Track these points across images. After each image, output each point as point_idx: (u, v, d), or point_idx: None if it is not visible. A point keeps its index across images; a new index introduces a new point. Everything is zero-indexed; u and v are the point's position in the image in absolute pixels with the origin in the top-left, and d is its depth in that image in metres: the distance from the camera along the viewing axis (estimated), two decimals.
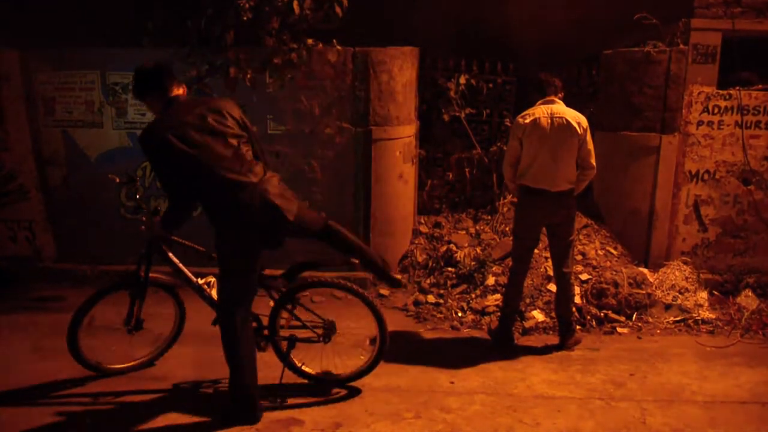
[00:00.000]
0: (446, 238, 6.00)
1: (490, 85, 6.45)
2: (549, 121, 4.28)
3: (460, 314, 5.19)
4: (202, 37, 5.31)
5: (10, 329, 4.92)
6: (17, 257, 6.08)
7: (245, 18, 5.08)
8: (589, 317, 4.99)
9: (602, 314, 5.02)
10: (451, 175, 6.37)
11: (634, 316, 5.05)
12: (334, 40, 5.26)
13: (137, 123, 5.67)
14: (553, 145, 4.27)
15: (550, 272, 5.37)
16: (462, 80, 6.17)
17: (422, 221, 6.26)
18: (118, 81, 5.57)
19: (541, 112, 4.32)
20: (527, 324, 4.92)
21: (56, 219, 5.98)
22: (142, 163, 5.75)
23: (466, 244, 5.87)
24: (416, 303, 5.40)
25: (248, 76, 5.21)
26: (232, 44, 5.19)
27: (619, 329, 4.93)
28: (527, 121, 4.32)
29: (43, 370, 4.24)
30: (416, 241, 6.03)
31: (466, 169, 6.36)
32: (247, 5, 5.10)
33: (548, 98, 4.38)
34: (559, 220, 4.39)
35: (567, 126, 4.27)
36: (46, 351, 4.53)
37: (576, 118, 4.31)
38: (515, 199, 6.18)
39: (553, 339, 4.73)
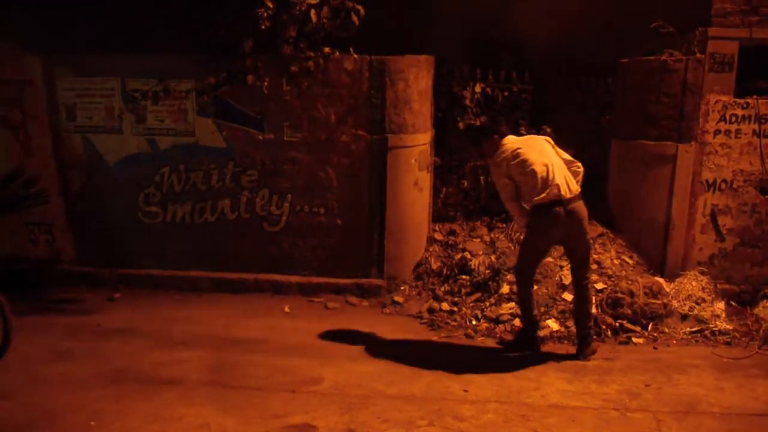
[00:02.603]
0: (461, 246, 6.00)
1: (506, 94, 6.45)
2: (524, 141, 4.56)
3: (474, 322, 5.19)
4: (220, 44, 5.39)
5: (30, 330, 4.97)
6: (37, 260, 6.17)
7: (263, 26, 5.15)
8: (604, 327, 4.96)
9: (617, 324, 4.99)
10: (466, 183, 6.38)
11: (650, 326, 5.02)
12: (351, 49, 5.31)
13: (156, 129, 5.75)
14: (541, 153, 4.45)
15: (565, 281, 5.36)
16: (477, 88, 6.20)
17: (437, 229, 6.26)
18: (137, 88, 5.64)
19: (511, 141, 4.55)
20: (541, 333, 4.90)
21: (76, 222, 6.07)
22: (160, 168, 5.82)
23: (481, 252, 5.86)
24: (430, 310, 5.41)
25: (265, 83, 5.27)
26: (250, 52, 5.26)
27: (634, 339, 4.90)
28: (506, 153, 4.46)
29: (56, 370, 4.32)
30: (431, 249, 6.04)
31: (481, 177, 6.36)
32: (265, 14, 5.16)
33: (508, 132, 4.73)
34: (575, 232, 4.43)
35: (540, 139, 4.63)
36: (63, 352, 4.62)
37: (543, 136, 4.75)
38: None
39: (568, 348, 4.71)
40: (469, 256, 5.80)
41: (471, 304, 5.40)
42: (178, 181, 5.81)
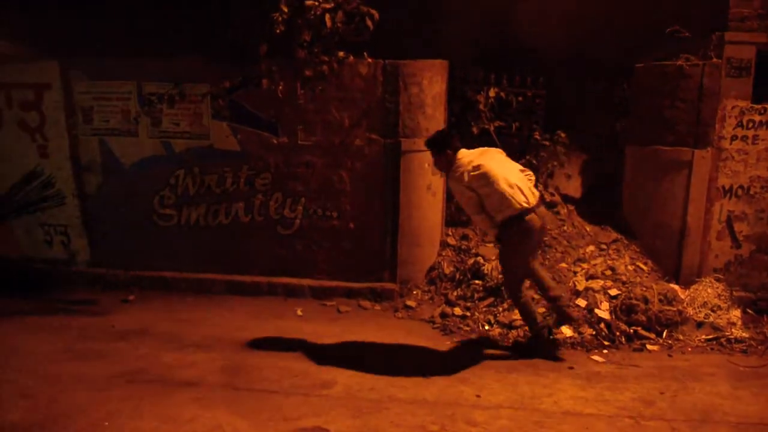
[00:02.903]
0: (474, 251, 5.99)
1: (520, 99, 6.43)
2: (481, 154, 4.56)
3: (486, 327, 5.17)
4: (235, 49, 5.42)
5: (45, 330, 5.05)
6: (53, 260, 6.24)
7: (278, 31, 5.16)
8: (618, 333, 4.93)
9: (632, 330, 4.95)
10: None
11: (665, 333, 4.98)
12: (365, 53, 5.31)
13: (171, 132, 5.80)
14: (500, 165, 4.51)
15: (579, 287, 5.33)
16: (491, 93, 6.17)
17: (450, 233, 6.24)
18: (153, 91, 5.69)
19: (467, 154, 4.55)
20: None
21: (91, 224, 6.13)
22: (175, 171, 5.86)
23: (494, 257, 5.83)
24: (443, 315, 5.40)
25: (280, 87, 5.28)
26: (264, 56, 5.28)
27: (649, 346, 4.86)
28: (466, 167, 4.45)
29: (70, 370, 4.36)
30: (444, 253, 6.03)
31: None
32: (279, 18, 5.17)
33: (461, 146, 4.64)
34: (543, 235, 4.68)
35: (494, 151, 4.68)
36: (77, 352, 4.66)
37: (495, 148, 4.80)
38: None
39: (582, 355, 4.68)
40: (482, 261, 5.78)
41: (484, 309, 5.39)
42: (192, 183, 5.85)
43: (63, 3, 7.17)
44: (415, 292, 5.75)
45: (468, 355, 4.73)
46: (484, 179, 4.40)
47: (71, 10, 6.99)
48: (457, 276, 5.79)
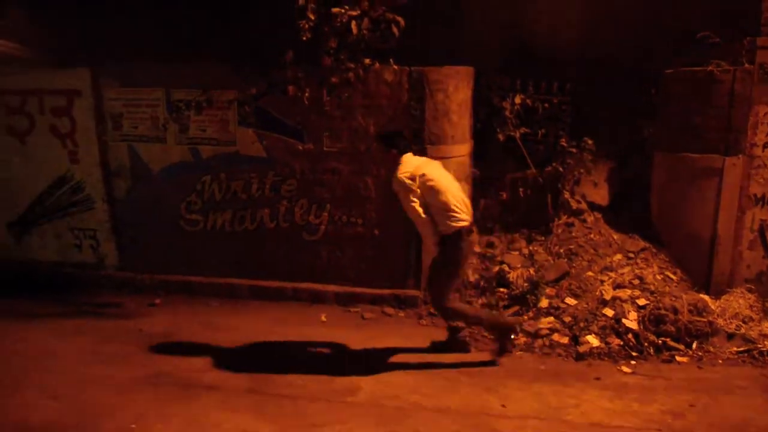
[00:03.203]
0: (499, 258, 5.94)
1: (546, 105, 6.38)
2: (427, 164, 4.58)
3: (512, 336, 5.11)
4: (262, 56, 5.47)
5: (74, 333, 5.12)
6: (82, 264, 6.34)
7: (304, 38, 5.20)
8: (646, 344, 4.84)
9: (660, 341, 4.86)
10: (504, 195, 6.32)
11: (695, 344, 4.87)
12: (391, 60, 5.32)
13: (198, 138, 5.86)
14: (446, 177, 4.56)
15: (606, 296, 5.26)
16: (517, 100, 6.14)
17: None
18: (181, 98, 5.76)
19: (414, 160, 4.56)
20: (581, 349, 4.82)
21: (119, 229, 6.22)
22: (202, 177, 5.92)
23: (519, 265, 5.80)
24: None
25: (306, 94, 5.32)
26: (291, 63, 5.32)
27: (678, 358, 4.76)
28: (415, 172, 4.44)
29: (98, 372, 4.44)
30: (469, 261, 5.98)
31: (520, 189, 6.30)
32: (306, 26, 5.21)
33: (409, 149, 4.64)
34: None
35: (437, 163, 4.70)
36: (105, 355, 4.72)
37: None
38: (570, 219, 6.13)
39: (609, 365, 4.61)
40: (507, 269, 5.74)
41: (509, 318, 5.33)
42: (218, 189, 5.91)
43: (95, 11, 7.34)
44: None
45: (492, 363, 4.70)
46: (430, 191, 4.42)
47: (102, 18, 7.15)
48: (482, 283, 5.75)
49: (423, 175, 4.45)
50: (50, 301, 5.83)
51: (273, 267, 5.90)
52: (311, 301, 5.83)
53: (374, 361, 4.64)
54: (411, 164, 4.51)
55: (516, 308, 5.41)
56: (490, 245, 6.16)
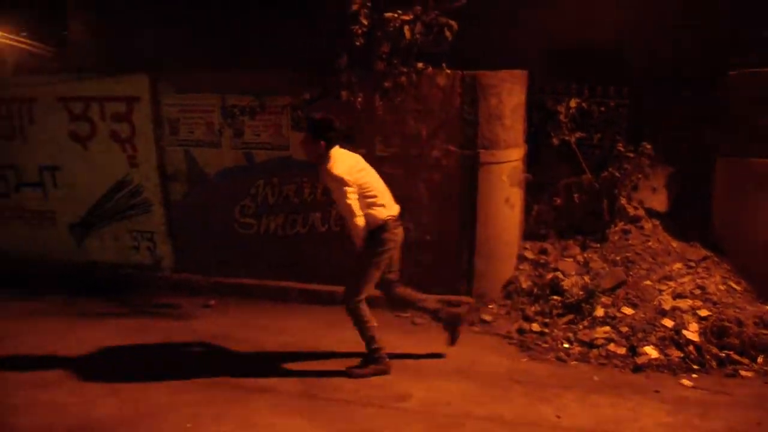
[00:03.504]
0: (552, 266, 5.82)
1: (602, 109, 6.23)
2: (354, 157, 4.52)
3: (566, 345, 5.00)
4: (315, 61, 5.52)
5: (131, 333, 5.25)
6: (139, 265, 6.51)
7: (358, 43, 5.23)
8: (708, 357, 4.64)
9: (723, 355, 4.66)
10: (558, 200, 6.19)
11: (760, 358, 4.65)
12: (444, 64, 5.30)
13: (252, 143, 5.95)
14: (371, 171, 4.53)
15: (665, 306, 5.09)
16: (572, 103, 6.02)
17: (527, 247, 6.11)
18: (236, 104, 5.86)
19: (344, 153, 4.45)
20: (639, 360, 4.66)
21: (175, 231, 6.36)
22: (255, 181, 6.00)
23: (574, 273, 5.66)
24: (520, 331, 5.26)
25: (359, 99, 5.34)
26: (344, 68, 5.35)
27: (742, 372, 4.55)
28: (349, 165, 4.37)
29: (154, 372, 4.56)
30: (521, 267, 5.89)
31: (575, 195, 6.15)
32: (359, 31, 5.25)
33: (337, 142, 4.47)
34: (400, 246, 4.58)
35: (360, 156, 4.61)
36: (162, 356, 4.85)
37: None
38: (627, 226, 5.96)
39: (668, 378, 4.45)
40: (561, 276, 5.62)
41: (563, 326, 5.21)
42: (272, 193, 5.97)
43: (154, 20, 7.56)
44: (491, 306, 5.64)
45: (546, 372, 4.60)
46: (363, 184, 4.36)
47: (160, 26, 7.35)
48: (535, 291, 5.64)
49: (353, 166, 4.39)
50: (109, 301, 6.01)
51: (324, 271, 5.92)
52: None
53: (425, 367, 4.61)
54: (345, 159, 4.40)
55: (570, 317, 5.28)
56: (543, 252, 6.04)
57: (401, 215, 4.57)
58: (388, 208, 4.46)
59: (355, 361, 4.57)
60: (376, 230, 4.39)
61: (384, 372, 4.48)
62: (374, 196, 4.39)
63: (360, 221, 4.34)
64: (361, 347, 4.53)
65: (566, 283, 5.53)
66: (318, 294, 5.93)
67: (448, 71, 5.32)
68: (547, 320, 5.32)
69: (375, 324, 4.49)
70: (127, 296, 6.14)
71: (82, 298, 6.08)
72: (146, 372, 4.54)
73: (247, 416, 3.91)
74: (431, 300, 4.78)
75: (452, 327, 4.70)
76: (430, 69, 5.30)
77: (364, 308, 4.46)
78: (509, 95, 5.53)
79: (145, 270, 6.49)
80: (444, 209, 5.61)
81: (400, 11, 5.16)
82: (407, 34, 5.21)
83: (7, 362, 4.72)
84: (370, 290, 4.53)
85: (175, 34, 7.64)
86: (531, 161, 6.18)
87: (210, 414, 3.94)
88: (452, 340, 4.71)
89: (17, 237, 6.90)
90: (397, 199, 5.62)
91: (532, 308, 5.50)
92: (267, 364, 4.63)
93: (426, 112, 5.51)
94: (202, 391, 4.26)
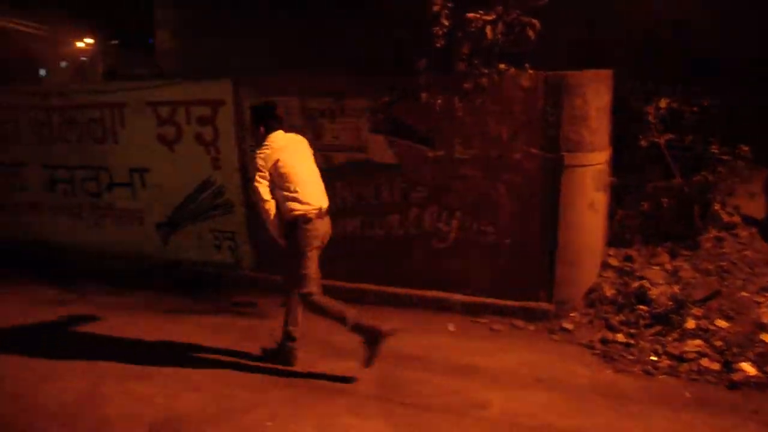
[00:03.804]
0: (638, 274, 5.56)
1: (694, 109, 5.91)
2: (289, 142, 4.51)
3: (653, 358, 4.74)
4: (393, 63, 5.51)
5: (212, 329, 5.40)
6: (221, 264, 6.69)
7: (438, 44, 5.18)
8: None
9: None
10: (646, 205, 5.91)
11: None
12: (526, 64, 5.16)
13: (331, 145, 5.97)
14: (304, 159, 4.53)
15: (764, 319, 4.77)
16: (662, 104, 5.75)
17: (611, 253, 5.87)
18: (315, 106, 5.92)
19: (279, 139, 4.46)
20: (735, 377, 4.36)
21: (255, 232, 6.48)
22: (333, 182, 6.01)
23: (662, 281, 5.39)
24: (603, 341, 5.04)
25: (438, 101, 5.28)
26: (423, 70, 5.30)
27: None
28: (271, 152, 4.36)
29: (234, 368, 4.67)
30: (604, 274, 5.66)
31: (663, 200, 5.87)
32: (440, 32, 5.20)
33: (278, 128, 4.52)
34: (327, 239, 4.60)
35: (303, 143, 4.63)
36: (239, 353, 4.92)
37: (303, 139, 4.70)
38: (721, 233, 5.63)
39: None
40: (647, 285, 5.35)
41: (650, 338, 4.95)
42: (349, 195, 5.99)
43: (234, 29, 7.80)
44: (572, 315, 5.43)
45: (633, 386, 4.38)
46: (283, 174, 4.35)
47: (240, 35, 7.58)
48: (620, 299, 5.40)
49: (278, 160, 4.36)
50: (193, 298, 6.21)
51: (400, 273, 5.90)
52: (437, 310, 5.75)
53: (504, 375, 4.49)
54: (274, 144, 4.41)
55: (658, 328, 5.02)
56: (628, 259, 5.79)
57: (326, 210, 4.57)
58: (308, 202, 4.41)
59: (430, 364, 4.51)
60: (293, 223, 4.40)
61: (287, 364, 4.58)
62: (293, 190, 4.38)
63: (268, 206, 4.38)
64: (439, 350, 4.47)
65: (653, 293, 5.26)
66: (394, 296, 5.90)
67: (531, 71, 5.17)
68: (632, 331, 5.08)
69: (336, 304, 4.46)
70: (209, 294, 6.32)
71: (168, 294, 6.31)
72: (227, 369, 4.65)
73: (326, 417, 3.92)
74: (352, 312, 4.41)
75: (372, 345, 4.31)
76: (513, 69, 5.17)
77: (320, 298, 4.46)
78: (595, 95, 5.32)
79: (226, 269, 6.66)
80: (524, 213, 5.45)
81: (482, 11, 5.07)
82: (489, 34, 5.11)
83: (99, 352, 4.95)
84: (315, 281, 4.51)
85: (254, 43, 7.86)
86: (616, 164, 5.94)
87: (289, 413, 3.98)
88: (370, 359, 4.32)
89: (108, 234, 7.26)
90: (475, 201, 5.58)
91: (617, 318, 5.26)
92: (343, 365, 4.62)
93: (507, 113, 5.38)
94: (280, 390, 4.31)
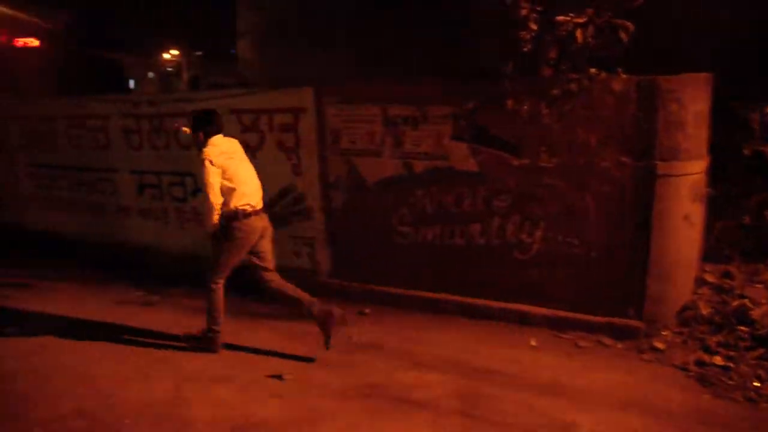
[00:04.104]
0: (738, 291, 5.19)
1: None
2: (230, 145, 4.97)
3: (756, 384, 4.39)
4: (478, 69, 5.38)
5: (291, 336, 5.41)
6: (299, 270, 6.73)
7: (525, 49, 5.03)
8: None
9: None
10: (747, 219, 5.53)
11: None
12: (619, 69, 4.92)
13: (412, 153, 5.91)
14: (243, 160, 4.99)
15: None
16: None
17: (708, 269, 5.51)
18: (397, 114, 5.87)
19: (221, 141, 4.92)
20: None
21: (334, 239, 6.51)
22: (414, 190, 5.96)
23: (765, 301, 5.01)
24: (699, 363, 4.72)
25: (524, 107, 5.12)
26: (509, 76, 5.16)
27: None
28: (219, 154, 4.79)
29: (318, 377, 4.65)
30: (699, 291, 5.32)
31: (766, 212, 5.46)
32: (527, 36, 5.05)
33: (217, 133, 4.94)
34: (267, 235, 5.05)
35: (240, 146, 5.07)
36: (321, 361, 4.91)
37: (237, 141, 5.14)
38: None
39: None
40: (749, 304, 4.99)
41: (752, 362, 4.59)
42: (430, 203, 5.90)
43: (314, 39, 7.90)
44: (664, 333, 5.12)
45: (733, 414, 4.06)
46: (225, 171, 4.77)
47: (320, 44, 7.66)
48: (717, 319, 5.05)
49: (228, 158, 4.83)
50: (272, 303, 6.24)
51: (480, 284, 5.74)
52: (518, 323, 5.57)
53: (592, 396, 4.27)
54: (218, 147, 4.84)
55: (761, 351, 4.66)
56: (727, 275, 5.42)
57: (264, 209, 5.04)
58: (244, 198, 4.83)
59: (512, 380, 4.34)
60: (228, 217, 4.81)
61: (209, 351, 5.04)
62: (232, 188, 4.79)
63: (215, 199, 4.75)
64: (521, 365, 4.29)
65: (756, 313, 4.90)
66: (473, 307, 5.76)
67: (624, 76, 4.92)
68: (731, 353, 4.73)
69: (222, 315, 5.04)
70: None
71: (246, 299, 6.39)
72: (305, 376, 4.65)
73: (405, 431, 3.83)
74: (306, 296, 4.95)
75: (325, 327, 4.82)
76: (603, 74, 4.94)
77: (220, 295, 4.98)
78: (692, 101, 5.01)
79: (304, 274, 6.68)
80: (613, 225, 5.18)
81: (572, 14, 4.89)
82: (579, 37, 4.92)
83: (182, 355, 5.08)
84: (227, 276, 5.00)
85: (335, 52, 7.93)
86: (714, 174, 5.57)
87: (368, 425, 3.93)
88: (326, 341, 4.84)
89: (193, 237, 7.46)
90: (560, 212, 5.36)
91: (714, 338, 4.92)
92: (422, 378, 4.55)
93: (595, 119, 5.14)
94: (358, 400, 4.26)
